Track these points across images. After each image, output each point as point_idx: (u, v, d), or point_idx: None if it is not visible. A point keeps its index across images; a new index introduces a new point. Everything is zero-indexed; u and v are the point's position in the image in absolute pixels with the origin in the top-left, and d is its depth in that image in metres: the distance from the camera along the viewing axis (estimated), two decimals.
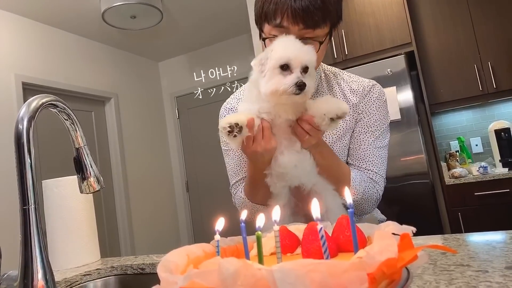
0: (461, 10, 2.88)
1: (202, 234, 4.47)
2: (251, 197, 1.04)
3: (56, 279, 1.06)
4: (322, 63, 1.10)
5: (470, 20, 2.86)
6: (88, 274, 1.14)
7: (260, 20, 0.92)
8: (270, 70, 0.80)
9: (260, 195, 0.99)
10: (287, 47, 0.81)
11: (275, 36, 0.87)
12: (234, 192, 1.15)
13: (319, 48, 0.89)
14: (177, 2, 3.39)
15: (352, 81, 1.08)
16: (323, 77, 1.09)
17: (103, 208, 3.71)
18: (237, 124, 0.77)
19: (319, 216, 0.37)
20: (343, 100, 1.04)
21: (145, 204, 4.15)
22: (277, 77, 0.79)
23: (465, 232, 2.59)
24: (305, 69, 0.80)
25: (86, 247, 1.27)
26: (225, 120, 0.78)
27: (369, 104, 1.05)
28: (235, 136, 0.78)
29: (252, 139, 0.83)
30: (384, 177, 1.05)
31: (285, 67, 0.79)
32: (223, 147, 1.18)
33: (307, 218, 0.96)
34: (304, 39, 0.85)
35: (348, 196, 0.39)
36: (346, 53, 2.97)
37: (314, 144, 0.88)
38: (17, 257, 0.65)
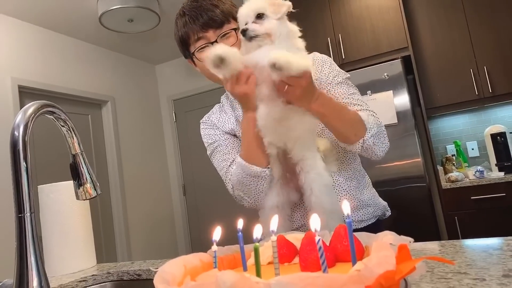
0: (457, 15, 2.90)
1: (199, 238, 4.45)
2: (248, 156, 1.00)
3: (52, 285, 1.05)
4: None
5: (466, 25, 2.88)
6: (84, 280, 1.13)
7: (184, 47, 1.09)
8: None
9: (256, 153, 0.97)
10: (242, 7, 0.91)
11: (202, 46, 1.03)
12: (230, 173, 1.11)
13: (237, 35, 1.01)
14: (174, 5, 3.39)
15: None
16: None
17: (99, 212, 3.69)
18: (222, 59, 0.81)
19: (318, 228, 0.37)
20: None
21: (141, 208, 4.13)
22: None
23: (462, 236, 2.60)
24: (258, 16, 0.87)
25: (82, 253, 1.26)
26: (213, 51, 0.81)
27: (319, 68, 1.08)
28: (218, 67, 0.82)
29: (235, 78, 0.87)
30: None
31: (247, 23, 0.89)
32: (209, 151, 1.19)
33: (298, 190, 0.97)
34: (223, 35, 1.02)
35: (346, 207, 0.39)
36: (343, 57, 2.98)
37: (305, 96, 0.84)
38: (13, 265, 0.64)
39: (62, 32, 3.57)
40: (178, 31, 1.09)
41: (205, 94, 4.35)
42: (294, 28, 0.91)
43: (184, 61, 4.40)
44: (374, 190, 1.20)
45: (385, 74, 2.76)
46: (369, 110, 1.04)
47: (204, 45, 1.04)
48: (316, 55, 1.12)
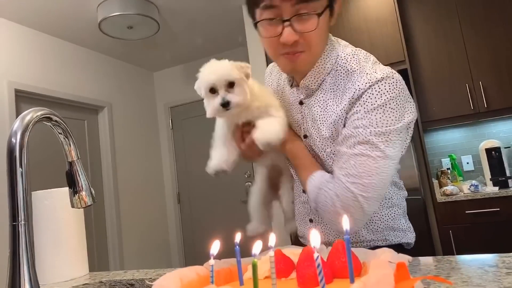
0: (453, 31, 2.94)
1: (193, 246, 4.42)
2: None
3: None
4: (346, 48, 0.96)
5: (462, 40, 2.91)
6: None
7: (251, 6, 0.88)
8: (204, 95, 0.93)
9: None
10: (209, 71, 0.92)
11: (267, 20, 0.84)
12: None
13: (318, 22, 0.82)
14: (174, 13, 3.41)
15: (361, 81, 0.86)
16: (333, 72, 0.93)
17: (92, 218, 3.65)
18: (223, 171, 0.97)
19: (317, 245, 0.37)
20: (340, 105, 0.89)
21: (135, 215, 4.10)
22: (210, 100, 0.92)
23: (456, 249, 2.60)
24: (230, 85, 0.90)
25: (74, 261, 1.24)
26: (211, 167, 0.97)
27: (359, 105, 0.84)
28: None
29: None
30: (353, 190, 0.81)
31: (212, 90, 0.91)
32: None
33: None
34: (299, 15, 0.81)
35: (346, 222, 0.39)
36: None
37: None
38: (5, 273, 0.63)
39: (61, 37, 3.57)
40: None
41: (203, 102, 4.35)
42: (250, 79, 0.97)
43: (182, 69, 4.40)
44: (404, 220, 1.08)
45: None
46: (338, 174, 0.85)
47: (272, 19, 0.83)
48: (376, 87, 0.83)
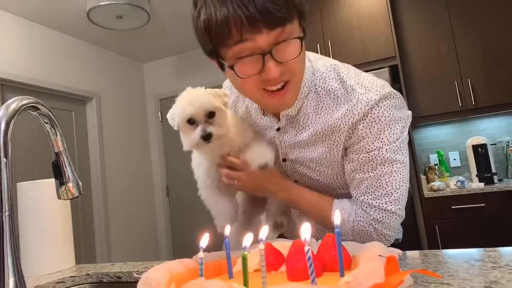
0: (444, 29, 2.97)
1: (181, 239, 4.41)
2: None
3: (28, 286, 1.02)
4: (316, 63, 0.90)
5: (452, 38, 2.94)
6: (61, 282, 1.10)
7: (213, 47, 0.73)
8: (181, 126, 0.86)
9: None
10: (186, 102, 0.84)
11: (243, 58, 0.71)
12: None
13: (302, 47, 0.73)
14: (164, 4, 3.36)
15: (353, 100, 0.83)
16: (311, 94, 0.87)
17: (79, 211, 3.61)
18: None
19: (308, 237, 0.37)
20: (326, 128, 0.86)
21: (123, 207, 4.07)
22: (188, 132, 0.84)
23: (441, 244, 2.64)
24: (210, 115, 0.83)
25: (60, 253, 1.23)
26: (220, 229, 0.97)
27: (364, 128, 0.82)
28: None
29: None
30: (390, 209, 0.84)
31: (191, 121, 0.84)
32: None
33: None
34: (279, 44, 0.70)
35: (337, 217, 0.39)
36: None
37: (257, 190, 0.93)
38: None
39: (48, 26, 3.49)
40: (206, 15, 0.69)
41: None
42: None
43: (172, 60, 4.34)
44: None
45: None
46: (369, 204, 0.84)
47: (249, 56, 0.70)
48: (376, 109, 0.81)
